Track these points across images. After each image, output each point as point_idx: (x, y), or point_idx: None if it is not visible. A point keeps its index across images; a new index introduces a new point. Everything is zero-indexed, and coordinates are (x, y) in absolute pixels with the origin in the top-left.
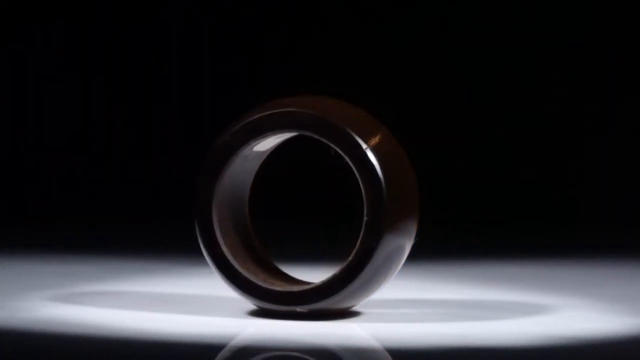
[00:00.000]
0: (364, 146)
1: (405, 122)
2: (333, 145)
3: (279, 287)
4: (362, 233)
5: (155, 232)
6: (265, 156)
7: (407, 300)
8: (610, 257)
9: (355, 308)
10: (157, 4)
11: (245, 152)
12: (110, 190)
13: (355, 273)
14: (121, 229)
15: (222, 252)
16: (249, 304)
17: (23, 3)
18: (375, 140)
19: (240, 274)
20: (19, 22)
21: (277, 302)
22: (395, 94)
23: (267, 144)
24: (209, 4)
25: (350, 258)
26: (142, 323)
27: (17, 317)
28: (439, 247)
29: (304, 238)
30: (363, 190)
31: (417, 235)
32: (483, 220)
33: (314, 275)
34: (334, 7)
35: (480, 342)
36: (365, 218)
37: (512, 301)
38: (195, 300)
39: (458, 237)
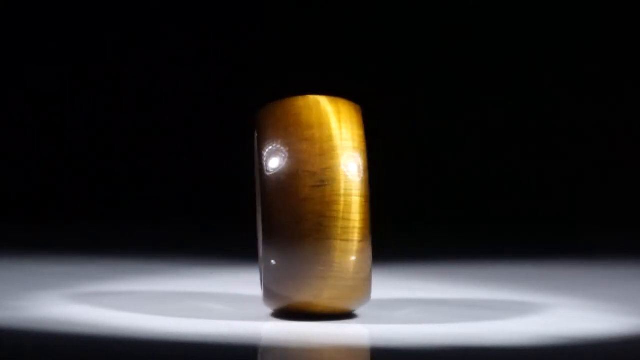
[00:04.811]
0: None
1: (403, 121)
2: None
3: None
4: None
5: (156, 232)
6: None
7: (406, 300)
8: (609, 257)
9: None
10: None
11: None
12: (110, 191)
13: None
14: (122, 229)
15: None
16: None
17: None
18: None
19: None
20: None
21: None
22: (394, 93)
23: None
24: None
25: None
26: (142, 323)
27: (18, 317)
28: (439, 248)
29: None
30: None
31: None
32: (482, 220)
33: None
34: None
35: (480, 342)
36: None
37: (511, 301)
38: (196, 299)
39: (457, 238)
